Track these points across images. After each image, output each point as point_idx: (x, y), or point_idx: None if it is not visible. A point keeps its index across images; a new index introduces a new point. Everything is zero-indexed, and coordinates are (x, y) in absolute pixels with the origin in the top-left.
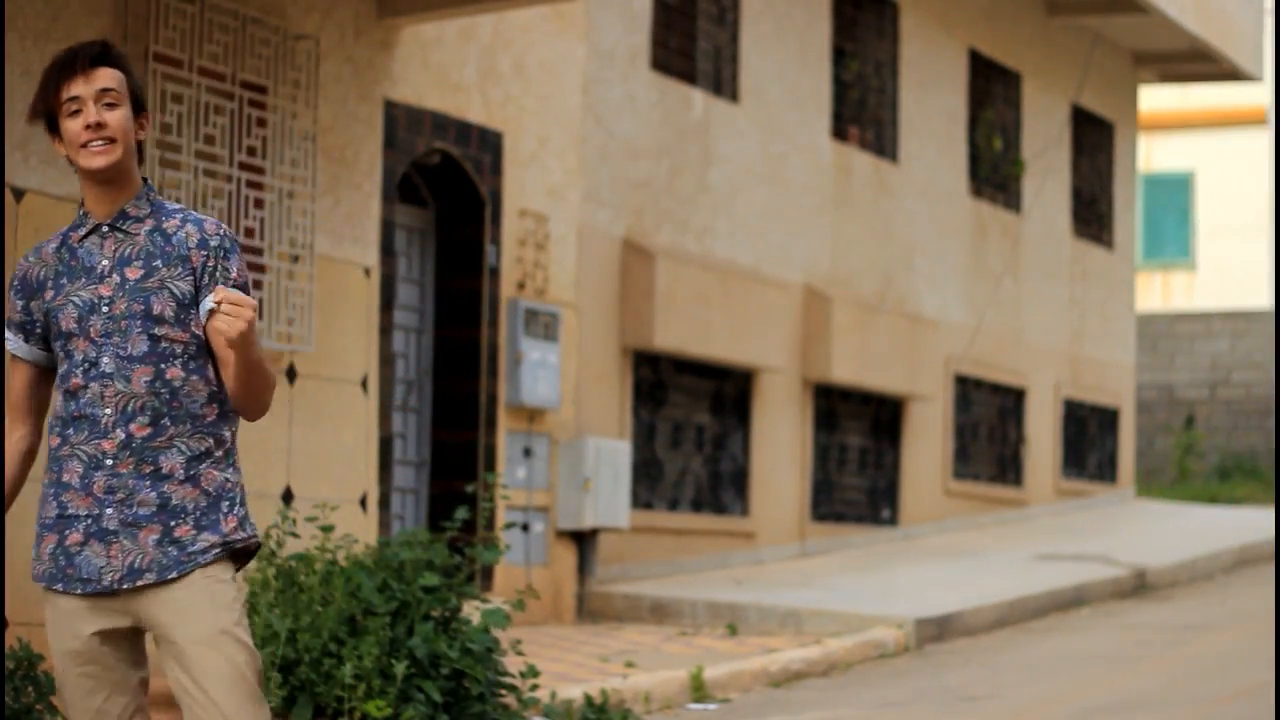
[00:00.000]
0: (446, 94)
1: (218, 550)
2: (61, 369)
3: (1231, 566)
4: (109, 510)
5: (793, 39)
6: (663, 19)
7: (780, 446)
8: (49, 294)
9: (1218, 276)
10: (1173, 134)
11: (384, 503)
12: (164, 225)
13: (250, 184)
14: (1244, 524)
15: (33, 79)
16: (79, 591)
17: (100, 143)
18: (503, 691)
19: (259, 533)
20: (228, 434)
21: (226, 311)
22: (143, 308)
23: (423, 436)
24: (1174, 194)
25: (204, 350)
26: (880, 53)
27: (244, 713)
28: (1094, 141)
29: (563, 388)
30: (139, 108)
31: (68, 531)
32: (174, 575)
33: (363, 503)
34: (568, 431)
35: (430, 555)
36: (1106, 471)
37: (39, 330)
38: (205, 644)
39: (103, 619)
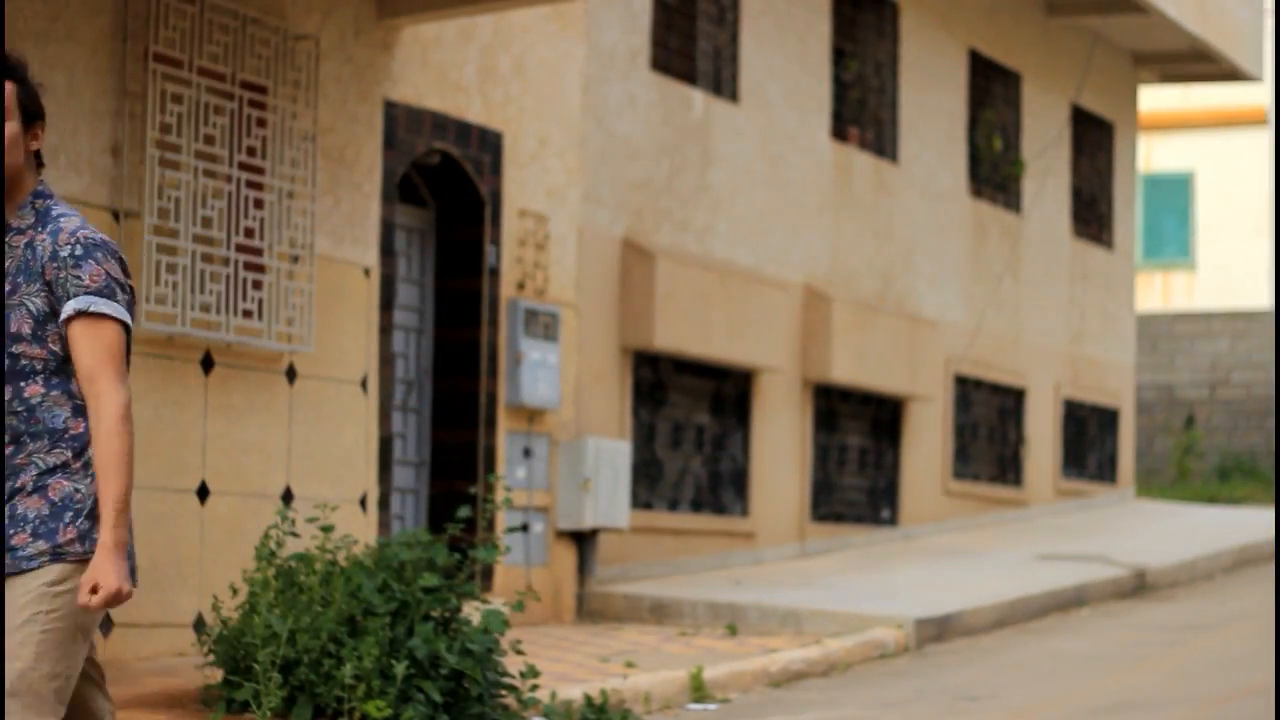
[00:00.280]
0: (446, 94)
1: (46, 558)
2: None
3: (1231, 566)
4: None
5: (793, 39)
6: (663, 19)
7: (780, 446)
8: None
9: (1218, 276)
10: (1172, 134)
11: (384, 503)
12: (36, 237)
13: (250, 184)
14: (1244, 524)
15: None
16: None
17: None
18: (502, 692)
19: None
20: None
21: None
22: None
23: (423, 436)
24: (1174, 194)
25: (65, 365)
26: (880, 53)
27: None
28: (1094, 141)
29: (563, 388)
30: (33, 117)
31: None
32: (9, 576)
33: (362, 503)
34: (568, 431)
35: (431, 555)
36: (1106, 471)
37: None
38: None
39: None
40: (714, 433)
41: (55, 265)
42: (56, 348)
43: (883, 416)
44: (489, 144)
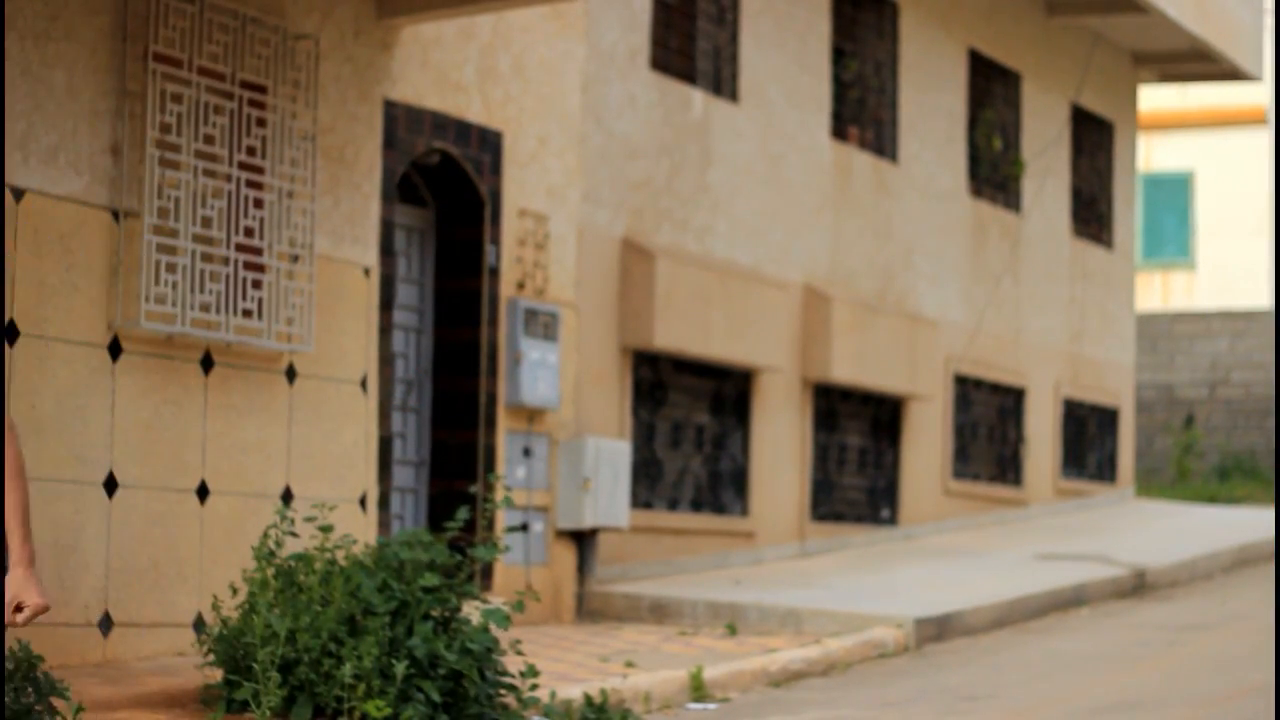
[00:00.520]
0: (446, 94)
1: None
2: None
3: (1231, 566)
4: None
5: (793, 39)
6: (662, 19)
7: (780, 446)
8: None
9: (1217, 276)
10: (1172, 134)
11: (383, 503)
12: None
13: (250, 184)
14: (1244, 524)
15: (33, 79)
16: None
17: None
18: (502, 691)
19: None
20: None
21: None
22: None
23: (422, 436)
24: (1173, 194)
25: None
26: (880, 53)
27: None
28: (1094, 141)
29: (562, 387)
30: None
31: None
32: None
33: (362, 503)
34: (567, 431)
35: (430, 555)
36: (1106, 471)
37: None
38: None
39: None
40: (714, 432)
41: None
42: None
43: (882, 416)
44: (489, 144)
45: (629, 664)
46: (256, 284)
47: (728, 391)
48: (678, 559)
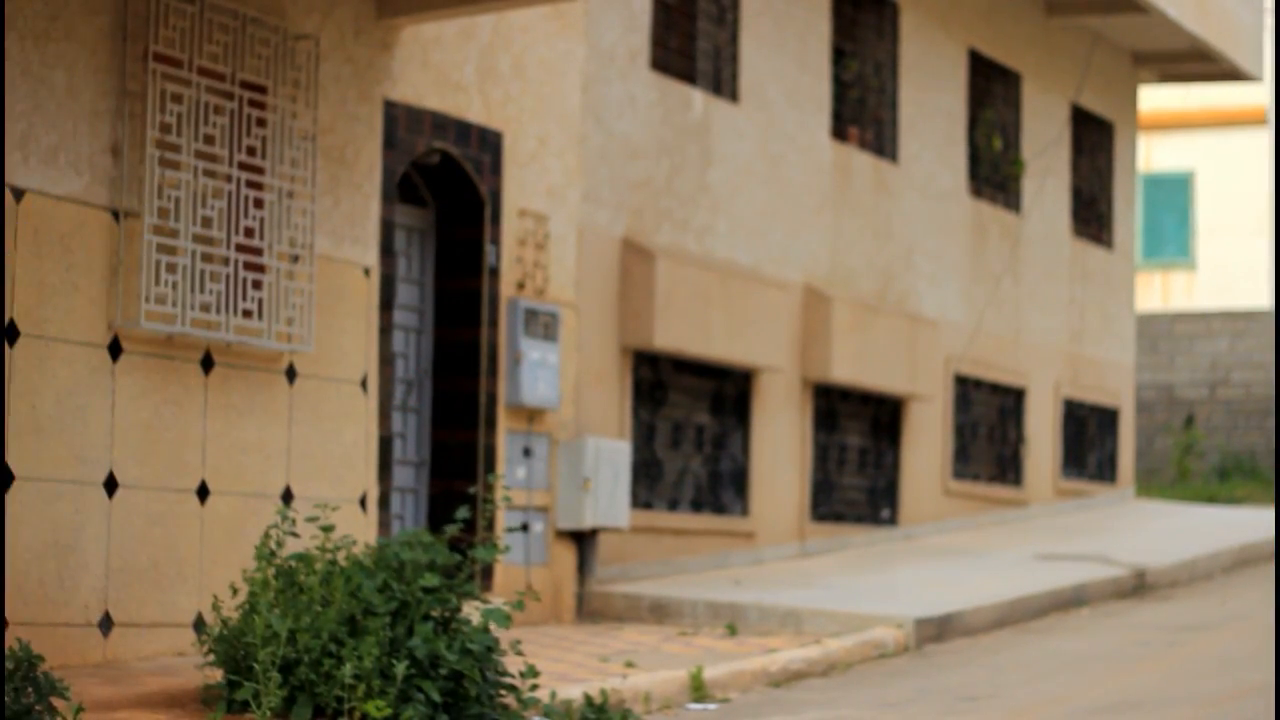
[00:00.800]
0: (446, 94)
1: None
2: None
3: (1231, 566)
4: None
5: (793, 39)
6: (662, 19)
7: (780, 446)
8: None
9: (1217, 276)
10: (1172, 134)
11: (384, 503)
12: None
13: (250, 184)
14: (1244, 524)
15: (33, 79)
16: None
17: None
18: (502, 691)
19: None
20: None
21: None
22: None
23: (422, 436)
24: (1174, 194)
25: None
26: (880, 53)
27: None
28: (1094, 141)
29: (562, 387)
30: None
31: None
32: None
33: (362, 503)
34: (567, 431)
35: (431, 555)
36: (1106, 471)
37: None
38: None
39: None
40: (714, 432)
41: None
42: None
43: (882, 416)
44: (489, 144)
45: (629, 664)
46: (256, 284)
47: (728, 391)
48: (678, 559)
